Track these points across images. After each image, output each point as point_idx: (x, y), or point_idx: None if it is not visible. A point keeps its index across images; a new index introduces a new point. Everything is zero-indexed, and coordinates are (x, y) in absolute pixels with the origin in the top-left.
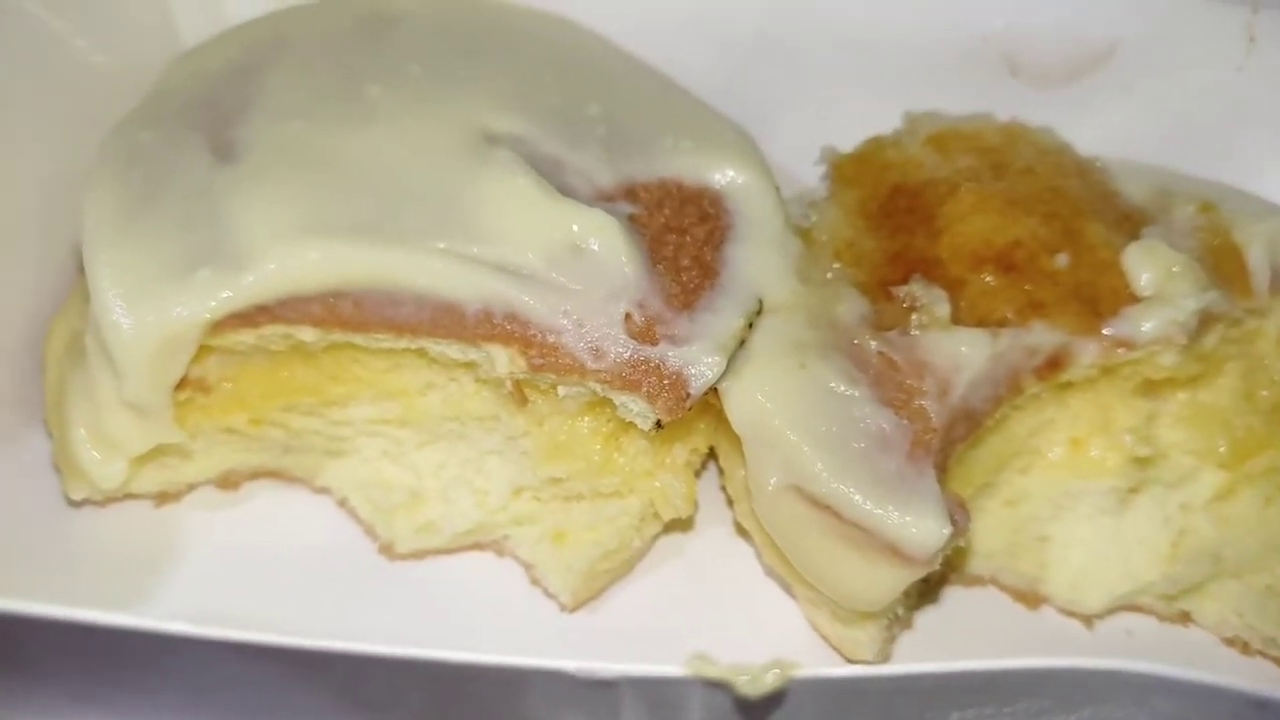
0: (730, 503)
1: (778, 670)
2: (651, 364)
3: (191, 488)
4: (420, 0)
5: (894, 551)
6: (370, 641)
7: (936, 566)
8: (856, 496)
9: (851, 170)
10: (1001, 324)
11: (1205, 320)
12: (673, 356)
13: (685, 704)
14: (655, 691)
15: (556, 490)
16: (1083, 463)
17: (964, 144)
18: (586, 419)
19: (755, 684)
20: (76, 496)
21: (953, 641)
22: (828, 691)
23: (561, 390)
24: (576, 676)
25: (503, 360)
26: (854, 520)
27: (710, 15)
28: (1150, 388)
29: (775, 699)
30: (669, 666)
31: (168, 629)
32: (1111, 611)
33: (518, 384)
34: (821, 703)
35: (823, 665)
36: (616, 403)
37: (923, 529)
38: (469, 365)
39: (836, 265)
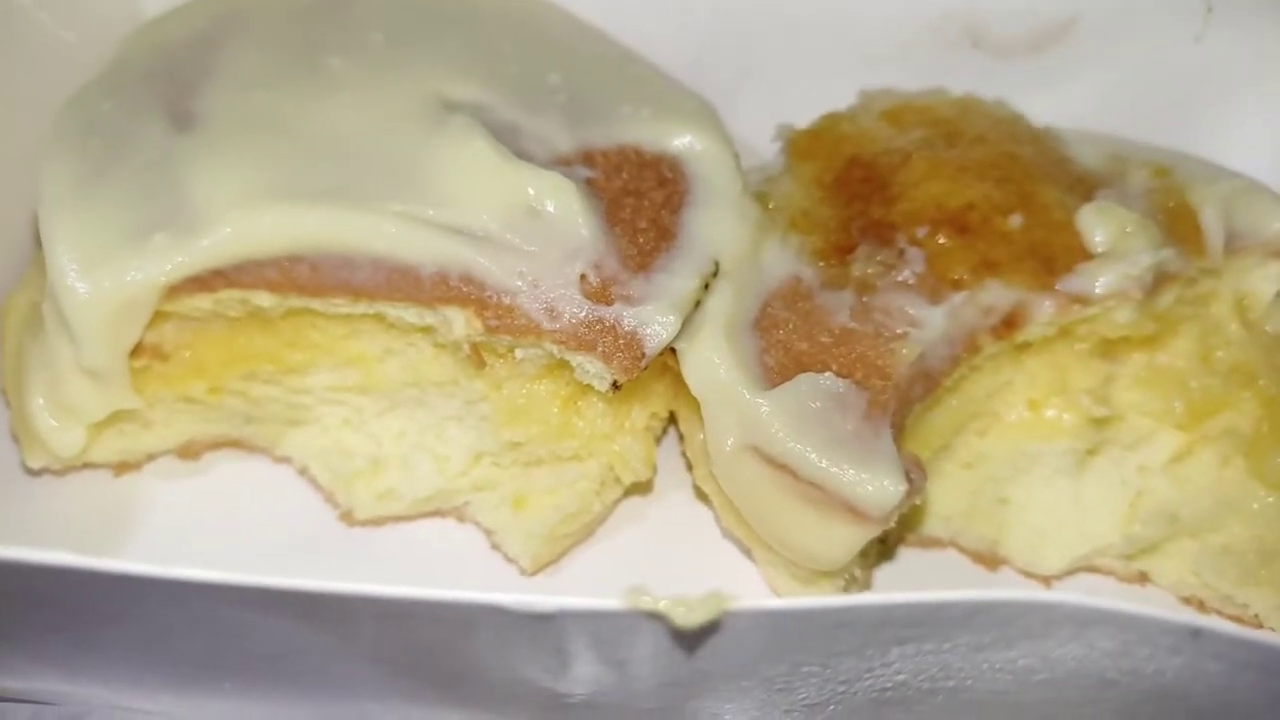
0: (690, 467)
1: (714, 601)
2: (607, 324)
3: (151, 457)
4: None
5: (850, 509)
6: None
7: (892, 524)
8: (813, 455)
9: (806, 144)
10: (957, 284)
11: (1160, 279)
12: (628, 316)
13: (629, 641)
14: (597, 627)
15: (516, 455)
16: (1040, 424)
17: (917, 116)
18: (545, 382)
19: (691, 614)
20: (35, 465)
21: None
22: (767, 625)
23: (519, 353)
24: (518, 612)
25: (459, 322)
26: (811, 479)
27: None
28: (1107, 349)
29: (715, 632)
30: (607, 600)
31: (117, 568)
32: (1070, 572)
33: (475, 347)
34: (762, 637)
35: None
36: (573, 364)
37: (878, 487)
38: (426, 330)
39: (792, 234)
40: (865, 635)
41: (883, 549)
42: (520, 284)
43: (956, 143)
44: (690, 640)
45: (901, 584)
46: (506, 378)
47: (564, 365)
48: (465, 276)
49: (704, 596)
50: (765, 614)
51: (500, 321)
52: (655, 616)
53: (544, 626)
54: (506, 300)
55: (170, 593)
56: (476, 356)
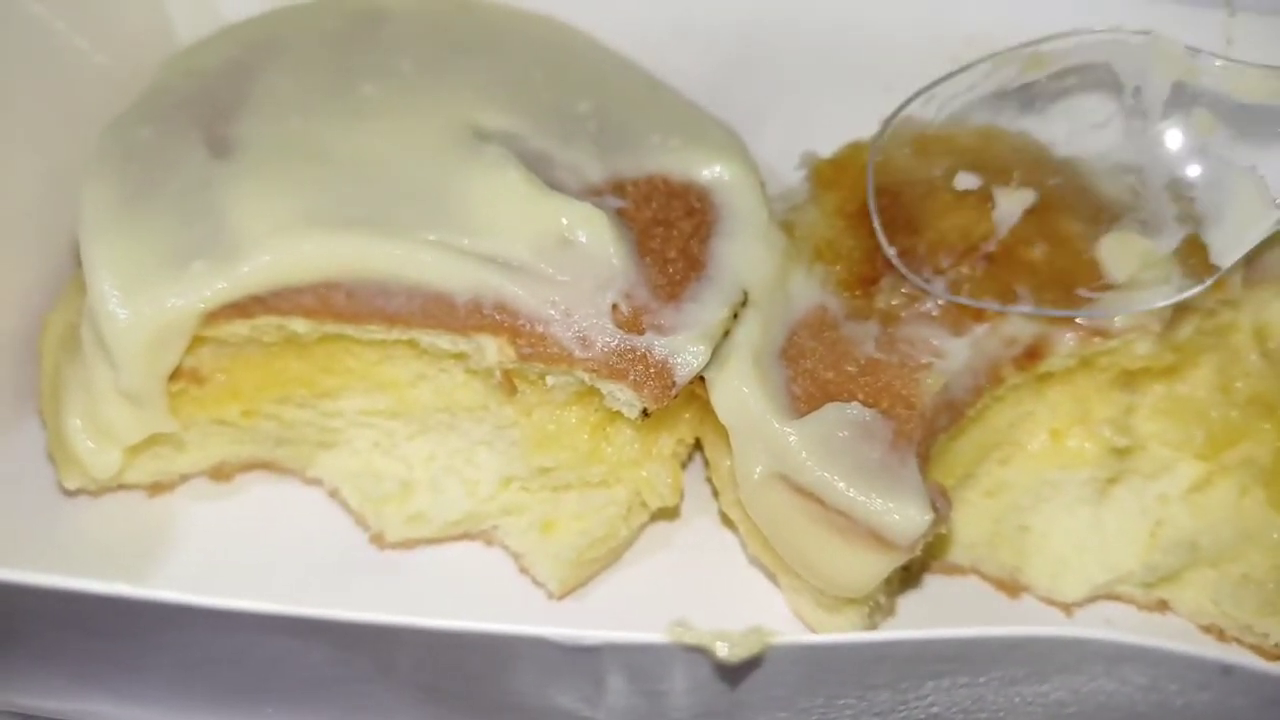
0: (716, 493)
1: (756, 636)
2: (638, 353)
3: (184, 478)
4: (411, 0)
5: (877, 538)
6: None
7: (918, 553)
8: (840, 484)
9: (830, 174)
10: (980, 316)
11: (1179, 310)
12: (659, 346)
13: (668, 673)
14: (637, 660)
15: (545, 480)
16: (1062, 453)
17: (940, 146)
18: (574, 409)
19: (733, 649)
20: (71, 486)
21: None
22: (806, 659)
23: (550, 380)
24: (560, 644)
25: (492, 350)
26: (838, 507)
27: (697, 19)
28: (1128, 379)
29: (754, 665)
30: (650, 634)
31: (165, 598)
32: (1091, 600)
33: (507, 374)
34: (800, 670)
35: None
36: (604, 391)
37: (905, 515)
38: (459, 356)
39: (818, 264)
40: (901, 669)
41: (907, 576)
42: (553, 313)
43: (980, 173)
44: (729, 673)
45: (925, 611)
46: (537, 404)
47: (593, 392)
48: (499, 305)
49: (746, 631)
50: (805, 648)
51: (533, 349)
52: (697, 650)
53: (582, 657)
54: (539, 329)
55: (208, 619)
56: (508, 383)
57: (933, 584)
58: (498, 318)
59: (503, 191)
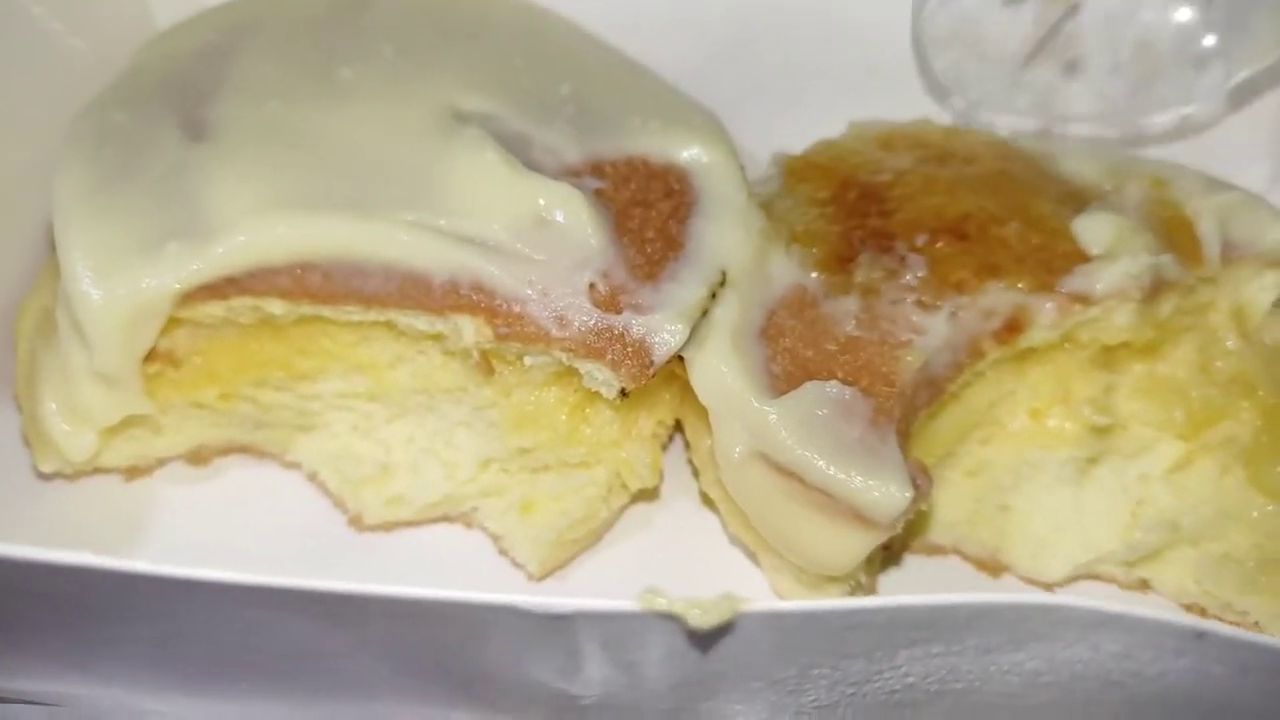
0: (696, 474)
1: (727, 603)
2: (615, 332)
3: (161, 462)
4: None
5: (857, 515)
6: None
7: (899, 530)
8: (820, 462)
9: (801, 169)
10: (959, 287)
11: (1159, 286)
12: (636, 324)
13: (642, 643)
14: (612, 630)
15: (524, 461)
16: (1042, 433)
17: (908, 141)
18: (553, 390)
19: (704, 616)
20: (46, 469)
21: None
22: (778, 626)
23: (528, 360)
24: (534, 614)
25: (469, 330)
26: (818, 485)
27: (681, 8)
28: (1108, 358)
29: (727, 633)
30: (622, 602)
31: (138, 569)
32: (1072, 580)
33: (484, 354)
34: (773, 639)
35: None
36: (582, 371)
37: (885, 493)
38: (436, 337)
39: (795, 246)
40: (874, 638)
41: (888, 555)
42: (530, 292)
43: (948, 163)
44: (702, 641)
45: (906, 590)
46: (515, 385)
47: (572, 373)
48: (476, 285)
49: (717, 598)
50: (776, 615)
51: (510, 329)
52: (669, 618)
53: (558, 628)
54: (516, 309)
55: (184, 593)
56: (485, 364)
57: (913, 564)
58: (474, 298)
59: (480, 172)
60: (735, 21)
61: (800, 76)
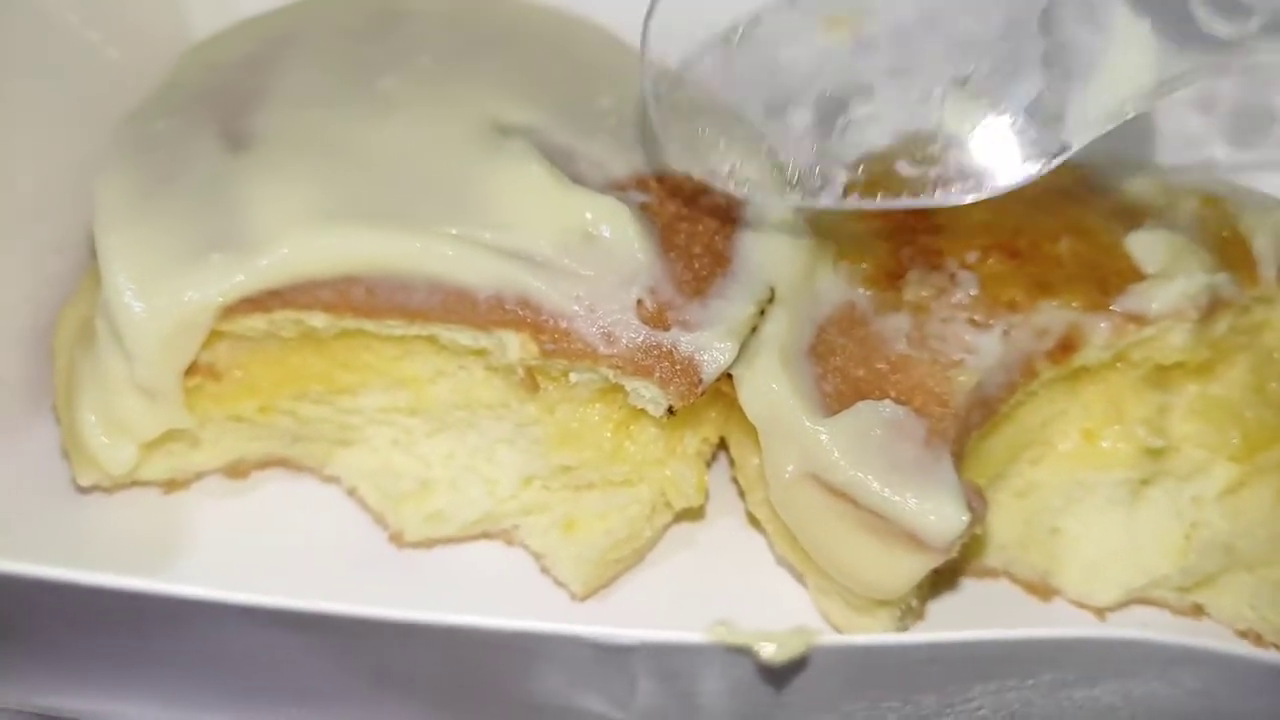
0: (742, 494)
1: (801, 636)
2: (664, 349)
3: (199, 475)
4: None
5: (912, 539)
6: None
7: (954, 554)
8: (874, 484)
9: None
10: (1011, 306)
11: (1214, 304)
12: (685, 342)
13: (703, 674)
14: (673, 661)
15: (566, 479)
16: (1095, 454)
17: None
18: (597, 406)
19: (778, 650)
20: (85, 483)
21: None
22: (851, 660)
23: (573, 376)
24: (595, 644)
25: (514, 346)
26: (872, 508)
27: (716, 19)
28: (1161, 377)
29: (796, 668)
30: (691, 633)
31: (186, 593)
32: (1124, 605)
33: (529, 370)
34: (843, 672)
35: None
36: (628, 389)
37: (941, 516)
38: (479, 352)
39: (843, 262)
40: (948, 671)
41: (938, 578)
42: (577, 308)
43: None
44: (770, 674)
45: (955, 614)
46: (559, 401)
47: (617, 389)
48: (521, 300)
49: (790, 631)
50: (851, 649)
51: (556, 345)
52: (740, 651)
53: (616, 657)
54: (563, 324)
55: (225, 615)
56: (530, 380)
57: (963, 587)
58: (520, 313)
59: (525, 185)
60: None
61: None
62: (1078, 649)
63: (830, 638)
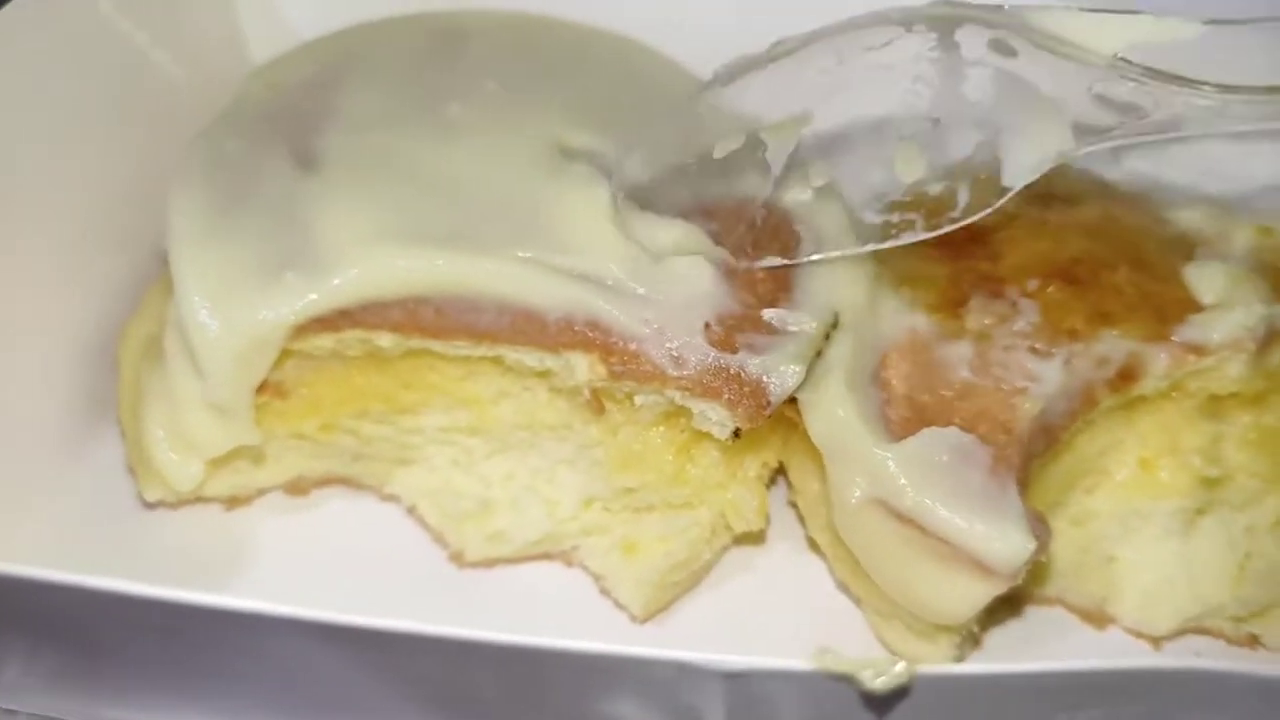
0: (801, 518)
1: (905, 666)
2: (732, 372)
3: (261, 492)
4: (489, 18)
5: (978, 565)
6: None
7: (1020, 581)
8: (942, 510)
9: None
10: (1073, 335)
11: (1271, 335)
12: (753, 365)
13: (789, 701)
14: (750, 690)
15: (627, 501)
16: (1151, 483)
17: None
18: (660, 429)
19: (882, 678)
20: (151, 498)
21: (1022, 658)
22: (950, 690)
23: (638, 399)
24: (702, 668)
25: (583, 367)
26: (938, 534)
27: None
28: (1215, 407)
29: (898, 696)
30: (794, 660)
31: (254, 609)
32: (1179, 634)
33: (595, 392)
34: (942, 702)
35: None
36: (695, 411)
37: (1007, 543)
38: (544, 374)
39: (904, 288)
40: (1043, 701)
41: (996, 605)
42: (646, 330)
43: (1051, 205)
44: (866, 702)
45: (1011, 641)
46: (623, 423)
47: (679, 413)
48: (591, 322)
49: (891, 660)
50: (952, 679)
51: (625, 367)
52: (843, 679)
53: (694, 680)
54: (632, 346)
55: (279, 629)
56: (596, 402)
57: (1018, 614)
58: (590, 335)
59: (594, 210)
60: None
61: None
62: (1178, 679)
63: (934, 667)
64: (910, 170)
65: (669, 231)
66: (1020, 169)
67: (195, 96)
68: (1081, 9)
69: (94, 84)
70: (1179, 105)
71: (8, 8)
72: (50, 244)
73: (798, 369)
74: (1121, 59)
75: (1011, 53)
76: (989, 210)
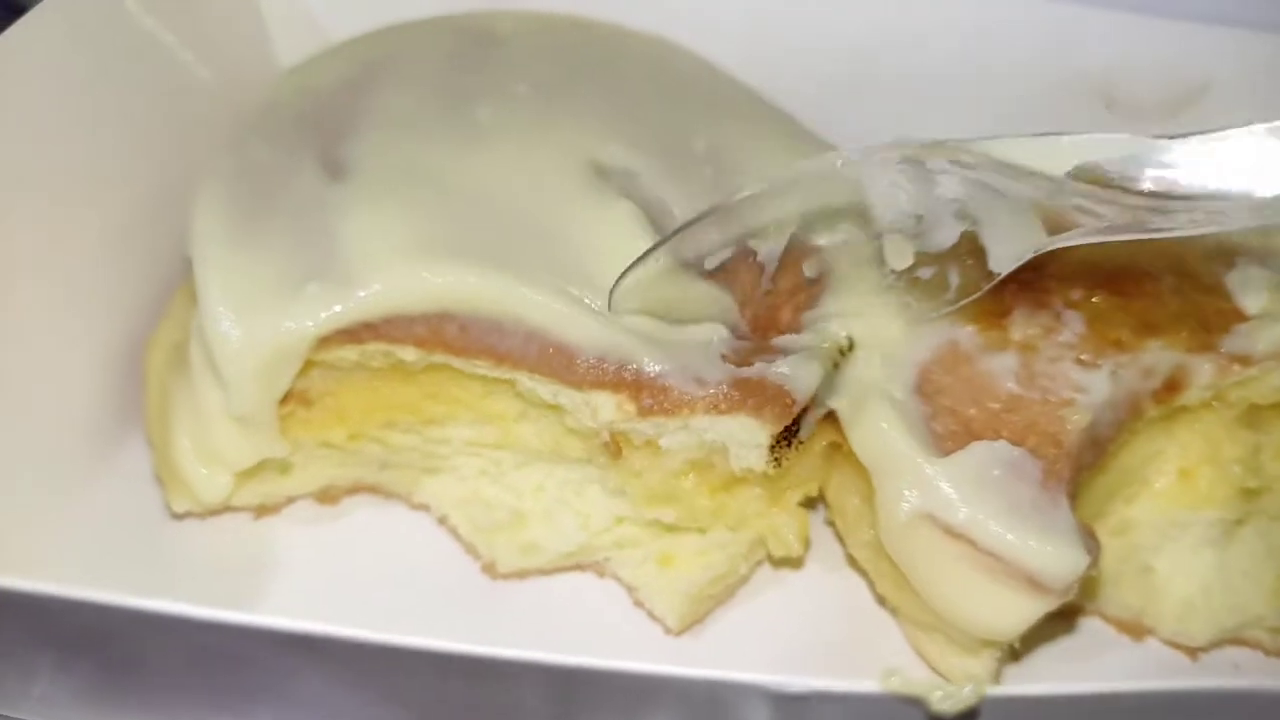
0: (840, 537)
1: (975, 687)
2: (753, 381)
3: (290, 501)
4: (523, 20)
5: (1030, 581)
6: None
7: (1072, 596)
8: (994, 525)
9: None
10: (1118, 346)
11: None
12: (772, 371)
13: None
14: (798, 710)
15: (660, 526)
16: (1191, 493)
17: None
18: (690, 477)
19: (953, 701)
20: (179, 510)
21: (1061, 670)
22: (1017, 709)
23: (664, 441)
24: (780, 693)
25: (609, 407)
26: (990, 549)
27: (812, 46)
28: (1254, 417)
29: (967, 717)
30: (863, 681)
31: (282, 626)
32: (1217, 645)
33: (614, 436)
34: None
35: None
36: (730, 449)
37: (1061, 558)
38: (555, 409)
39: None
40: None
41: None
42: (670, 366)
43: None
44: None
45: (1048, 653)
46: (645, 469)
47: (712, 458)
48: (623, 363)
49: (960, 682)
50: (1019, 700)
51: (655, 401)
52: (912, 701)
53: (729, 700)
54: (660, 381)
55: (326, 647)
56: (614, 447)
57: (1054, 626)
58: (622, 375)
59: (626, 249)
60: (863, 62)
61: (924, 115)
62: (1251, 699)
63: (1002, 689)
64: (900, 259)
65: (695, 291)
66: (1003, 259)
67: (221, 97)
68: (1033, 134)
69: (120, 85)
70: (1129, 214)
71: (33, 10)
72: (77, 249)
73: (816, 367)
74: (1069, 175)
75: (972, 168)
76: (980, 294)
